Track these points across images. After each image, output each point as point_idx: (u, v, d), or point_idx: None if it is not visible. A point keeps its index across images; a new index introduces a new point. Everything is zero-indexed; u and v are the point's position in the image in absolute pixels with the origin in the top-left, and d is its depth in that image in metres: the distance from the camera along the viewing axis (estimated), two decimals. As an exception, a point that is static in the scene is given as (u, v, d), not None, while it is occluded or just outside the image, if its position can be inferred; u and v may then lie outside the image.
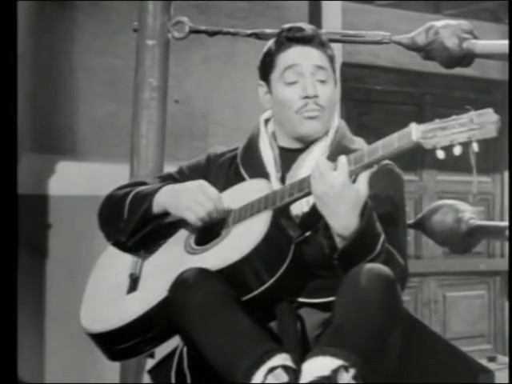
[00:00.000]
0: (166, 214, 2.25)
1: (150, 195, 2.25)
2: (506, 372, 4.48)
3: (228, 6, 5.04)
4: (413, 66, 5.47)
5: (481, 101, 6.24)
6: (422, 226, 2.66)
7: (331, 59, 2.29)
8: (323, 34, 2.36)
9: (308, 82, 2.22)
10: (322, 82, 2.24)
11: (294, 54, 2.25)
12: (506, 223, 2.65)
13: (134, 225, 2.26)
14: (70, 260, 4.23)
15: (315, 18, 4.47)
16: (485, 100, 6.25)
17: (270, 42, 2.31)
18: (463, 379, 2.24)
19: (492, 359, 5.02)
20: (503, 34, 6.06)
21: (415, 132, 1.96)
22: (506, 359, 5.06)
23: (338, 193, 1.97)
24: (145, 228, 2.27)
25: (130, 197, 2.28)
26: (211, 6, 5.00)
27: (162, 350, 2.27)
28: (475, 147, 1.93)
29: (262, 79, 2.32)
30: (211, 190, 2.19)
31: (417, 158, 5.87)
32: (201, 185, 2.20)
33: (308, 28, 2.29)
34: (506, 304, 6.21)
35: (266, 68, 2.30)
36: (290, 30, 2.28)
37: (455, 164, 5.83)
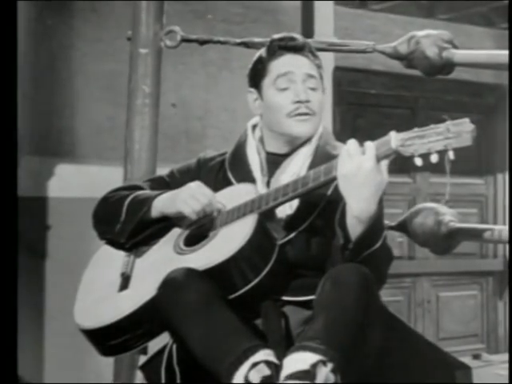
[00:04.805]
0: (162, 219, 2.34)
1: (149, 200, 2.33)
2: (490, 369, 4.55)
3: (224, 12, 5.09)
4: (406, 71, 5.45)
5: (474, 104, 6.27)
6: (404, 227, 2.74)
7: (319, 68, 2.38)
8: (312, 43, 2.45)
9: (300, 88, 2.31)
10: (313, 89, 2.33)
11: (287, 62, 2.33)
12: (484, 226, 2.73)
13: (133, 227, 2.34)
14: (68, 260, 4.26)
15: (308, 23, 4.53)
16: (478, 103, 6.31)
17: (262, 51, 2.39)
18: (441, 375, 2.29)
19: (476, 357, 5.11)
20: (496, 38, 6.11)
21: (394, 140, 2.04)
22: (491, 357, 5.12)
23: (365, 175, 2.02)
24: (143, 232, 2.35)
25: (128, 200, 2.37)
26: (208, 12, 5.06)
27: (155, 347, 2.37)
28: (451, 155, 2.00)
29: (251, 86, 2.40)
30: (207, 189, 2.29)
31: (410, 160, 5.90)
32: (198, 183, 2.31)
33: (299, 38, 2.38)
34: (499, 304, 6.26)
35: (257, 75, 2.37)
36: (282, 39, 2.36)
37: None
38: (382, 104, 5.92)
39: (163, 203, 2.32)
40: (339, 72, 5.20)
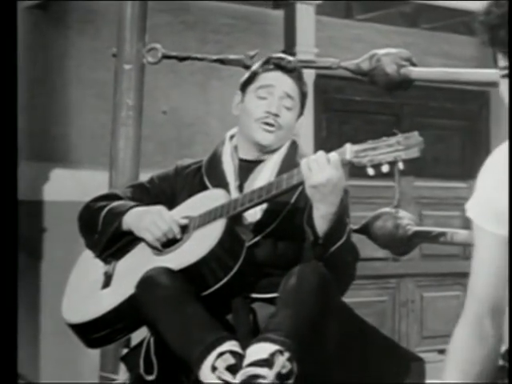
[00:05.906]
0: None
1: (121, 214, 2.51)
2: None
3: (214, 22, 5.26)
4: (390, 78, 5.62)
5: (458, 110, 6.39)
6: (366, 231, 2.91)
7: (303, 94, 2.60)
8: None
9: (275, 102, 2.53)
10: (287, 108, 2.55)
11: (273, 77, 2.57)
12: (438, 229, 2.92)
13: (107, 239, 2.53)
14: (63, 261, 4.27)
15: (290, 33, 4.65)
16: (462, 110, 6.43)
17: (259, 63, 2.62)
18: (397, 366, 2.47)
19: (441, 352, 5.27)
20: (478, 46, 6.24)
21: (349, 152, 2.25)
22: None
23: (334, 184, 2.24)
24: (116, 243, 2.54)
25: (103, 212, 2.54)
26: (198, 22, 5.20)
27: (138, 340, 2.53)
28: (400, 166, 2.21)
29: (240, 89, 2.63)
30: (168, 214, 2.47)
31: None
32: (159, 210, 2.48)
33: (293, 61, 2.62)
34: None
35: (247, 82, 2.61)
36: (277, 58, 2.61)
37: (432, 171, 6.06)
38: (367, 110, 5.99)
39: (131, 220, 2.49)
40: (325, 79, 5.30)
